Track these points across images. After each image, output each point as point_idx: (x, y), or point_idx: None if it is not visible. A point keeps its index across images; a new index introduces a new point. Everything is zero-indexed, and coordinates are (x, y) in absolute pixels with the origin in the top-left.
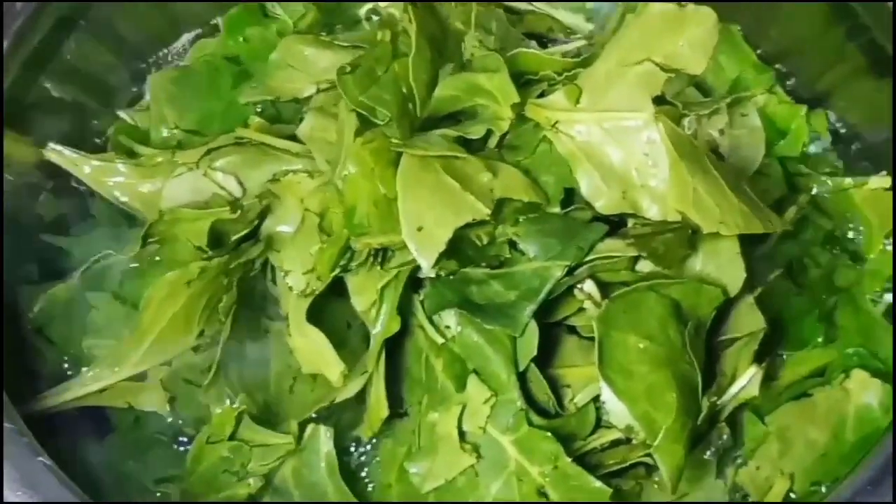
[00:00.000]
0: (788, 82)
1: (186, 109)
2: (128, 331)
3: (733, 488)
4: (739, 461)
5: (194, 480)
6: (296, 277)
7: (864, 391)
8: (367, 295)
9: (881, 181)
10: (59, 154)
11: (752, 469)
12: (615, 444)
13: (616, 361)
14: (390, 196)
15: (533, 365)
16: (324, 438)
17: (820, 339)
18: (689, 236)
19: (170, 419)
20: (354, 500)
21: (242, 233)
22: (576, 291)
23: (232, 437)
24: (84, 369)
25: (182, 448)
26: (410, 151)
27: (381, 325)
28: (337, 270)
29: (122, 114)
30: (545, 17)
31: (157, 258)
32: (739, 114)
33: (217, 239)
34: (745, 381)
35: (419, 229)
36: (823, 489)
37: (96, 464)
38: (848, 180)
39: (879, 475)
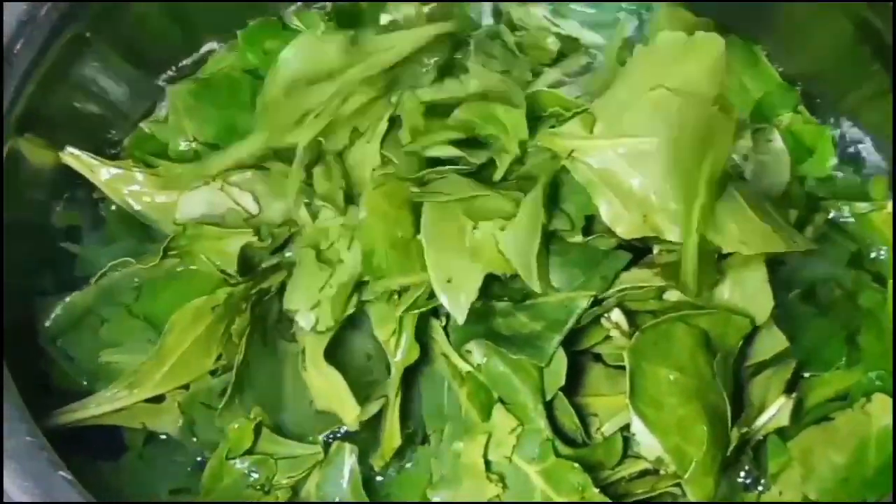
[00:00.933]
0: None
1: (205, 122)
2: (145, 347)
3: None
4: (761, 487)
5: (214, 498)
6: (304, 315)
7: (886, 414)
8: (389, 325)
9: None
10: (76, 158)
11: (774, 494)
12: (643, 474)
13: (647, 394)
14: (407, 237)
15: (561, 394)
16: (348, 455)
17: (843, 362)
18: (716, 264)
19: (185, 443)
20: None
21: (273, 261)
22: (603, 321)
23: (251, 451)
24: (103, 390)
25: (195, 464)
26: (431, 200)
27: (402, 353)
28: (350, 309)
29: (142, 125)
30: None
31: (177, 271)
32: (764, 139)
33: (243, 263)
34: (775, 411)
35: (448, 281)
36: None
37: (110, 478)
38: (865, 204)
39: None
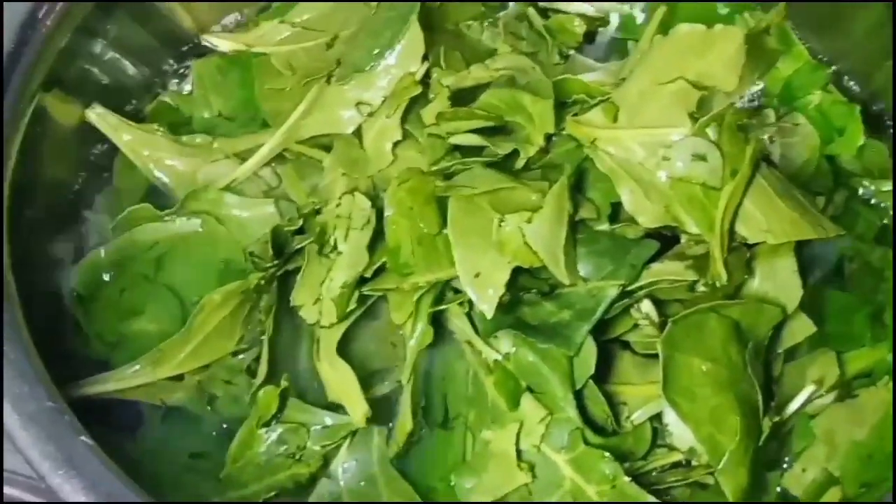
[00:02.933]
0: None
1: (230, 97)
2: (167, 315)
3: (782, 494)
4: (785, 465)
5: (242, 466)
6: (307, 311)
7: None
8: (406, 309)
9: None
10: (101, 117)
11: (797, 472)
12: (675, 465)
13: (680, 384)
14: (432, 233)
15: (591, 382)
16: (376, 436)
17: (868, 339)
18: (747, 258)
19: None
20: (410, 490)
21: (304, 244)
22: (633, 311)
23: (280, 420)
24: (125, 365)
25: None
26: (457, 194)
27: (417, 337)
28: (354, 306)
29: (164, 97)
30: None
31: (199, 239)
32: (791, 123)
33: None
34: (805, 399)
35: (476, 276)
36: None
37: (129, 448)
38: (888, 183)
39: None
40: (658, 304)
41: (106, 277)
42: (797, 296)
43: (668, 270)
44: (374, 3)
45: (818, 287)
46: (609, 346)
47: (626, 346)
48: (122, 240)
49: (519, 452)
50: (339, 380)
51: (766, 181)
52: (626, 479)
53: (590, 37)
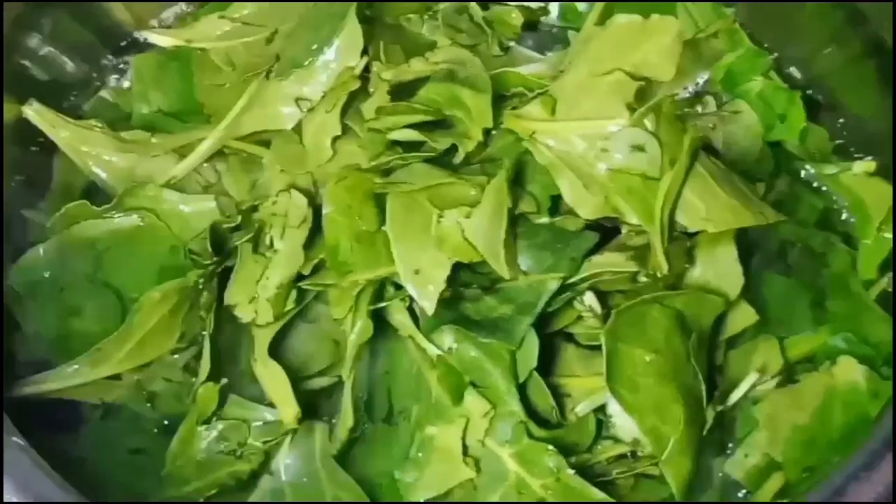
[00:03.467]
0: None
1: (170, 93)
2: (107, 313)
3: (724, 479)
4: (728, 451)
5: (183, 464)
6: (242, 309)
7: (851, 377)
8: (345, 304)
9: (865, 166)
10: (39, 114)
11: (740, 458)
12: (621, 456)
13: (624, 375)
14: (371, 230)
15: (536, 374)
16: (318, 433)
17: (809, 324)
18: (687, 248)
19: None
20: (354, 485)
21: (244, 239)
22: (576, 303)
23: (221, 416)
24: (64, 364)
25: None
26: (395, 190)
27: (357, 332)
28: (291, 305)
29: (103, 93)
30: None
31: (139, 236)
32: (732, 110)
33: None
34: (747, 388)
35: (416, 272)
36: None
37: (69, 448)
38: (830, 167)
39: (873, 460)
40: (601, 295)
41: (45, 276)
42: (738, 284)
43: (609, 262)
44: None
45: (760, 272)
46: (553, 338)
47: (570, 338)
48: (61, 237)
49: (464, 448)
50: (272, 379)
51: (706, 170)
52: (571, 471)
53: (531, 25)
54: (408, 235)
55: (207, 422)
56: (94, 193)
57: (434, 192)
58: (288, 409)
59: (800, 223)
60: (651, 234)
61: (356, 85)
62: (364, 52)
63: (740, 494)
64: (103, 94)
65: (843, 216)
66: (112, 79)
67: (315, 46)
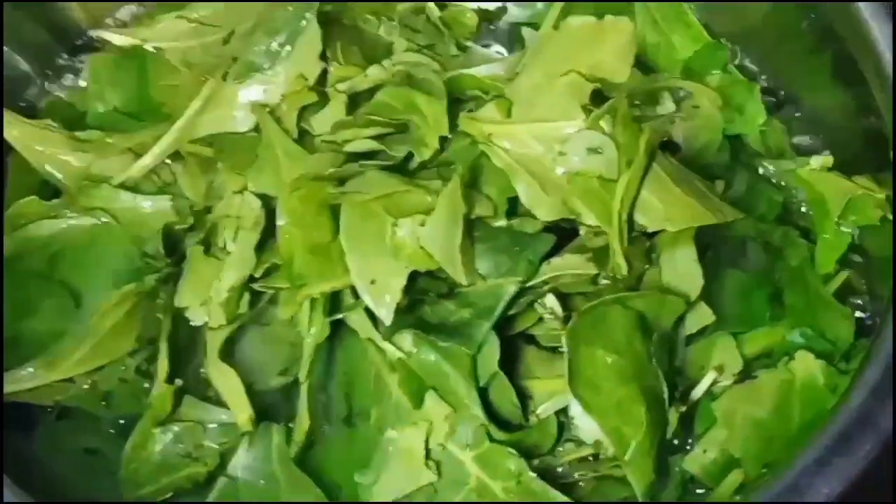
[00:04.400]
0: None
1: (126, 92)
2: (61, 314)
3: (682, 476)
4: (688, 447)
5: (138, 466)
6: (194, 312)
7: (809, 372)
8: (293, 305)
9: (823, 161)
10: None
11: (698, 453)
12: (584, 459)
13: (585, 377)
14: (326, 241)
15: (501, 373)
16: (275, 435)
17: (766, 319)
18: (646, 248)
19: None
20: (312, 487)
21: (196, 241)
22: (537, 306)
23: (176, 419)
24: (19, 367)
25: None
26: (350, 200)
27: (313, 334)
28: (245, 308)
29: (58, 92)
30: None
31: (94, 235)
32: (691, 105)
33: (167, 243)
34: (707, 386)
35: (372, 282)
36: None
37: (23, 448)
38: (788, 162)
39: (826, 455)
40: (563, 297)
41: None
42: (698, 285)
43: (568, 264)
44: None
45: (718, 269)
46: (514, 340)
47: (532, 340)
48: (14, 237)
49: (426, 451)
50: (225, 382)
51: (663, 169)
52: (532, 474)
53: (491, 23)
54: (363, 245)
55: (163, 424)
56: (49, 194)
57: (389, 200)
58: (242, 412)
59: (760, 219)
60: (610, 236)
61: (310, 99)
62: (322, 55)
63: (699, 491)
64: (58, 93)
65: (803, 209)
66: (67, 77)
67: (273, 49)
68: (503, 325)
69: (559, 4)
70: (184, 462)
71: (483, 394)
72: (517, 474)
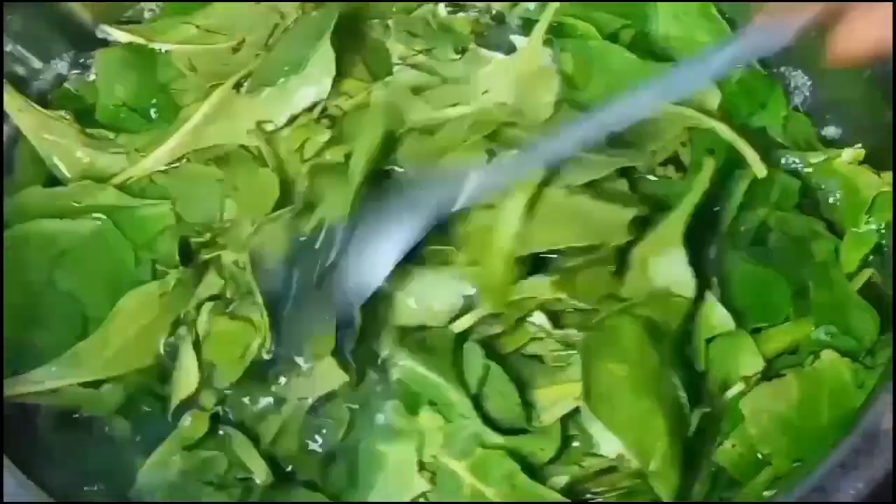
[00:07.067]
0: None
1: (134, 87)
2: (71, 326)
3: (712, 471)
4: (717, 443)
5: (152, 485)
6: None
7: (836, 371)
8: None
9: (855, 154)
10: (8, 95)
11: (727, 447)
12: (602, 472)
13: (600, 392)
14: None
15: (494, 366)
16: None
17: (790, 315)
18: (612, 272)
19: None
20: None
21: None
22: (527, 324)
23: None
24: (39, 368)
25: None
26: None
27: None
28: None
29: (67, 84)
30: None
31: (99, 238)
32: None
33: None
34: (733, 395)
35: None
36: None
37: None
38: (818, 154)
39: (853, 456)
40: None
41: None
42: (691, 286)
43: (532, 289)
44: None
45: (732, 257)
46: (512, 358)
47: (534, 358)
48: (15, 234)
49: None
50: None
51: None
52: (524, 476)
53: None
54: None
55: (189, 448)
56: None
57: None
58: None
59: (776, 206)
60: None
61: (322, 135)
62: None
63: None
64: (68, 85)
65: (830, 200)
66: (77, 73)
67: (287, 67)
68: (494, 346)
69: (554, 5)
70: (206, 490)
71: (475, 401)
72: (509, 477)
